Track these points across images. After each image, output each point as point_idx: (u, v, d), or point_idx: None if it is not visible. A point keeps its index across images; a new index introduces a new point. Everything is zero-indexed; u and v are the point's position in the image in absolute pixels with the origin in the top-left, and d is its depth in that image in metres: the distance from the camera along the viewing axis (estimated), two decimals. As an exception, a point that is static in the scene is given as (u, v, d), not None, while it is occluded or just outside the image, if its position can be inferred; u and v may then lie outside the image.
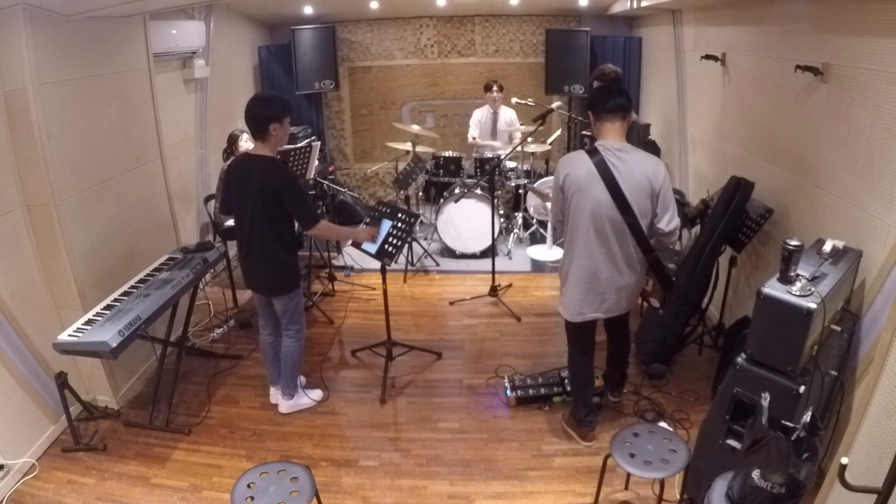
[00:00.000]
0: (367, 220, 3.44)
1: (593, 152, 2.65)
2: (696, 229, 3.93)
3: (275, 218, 2.95)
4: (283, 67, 6.17)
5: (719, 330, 3.84)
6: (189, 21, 4.59)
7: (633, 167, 2.60)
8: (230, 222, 3.18)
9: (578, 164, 2.67)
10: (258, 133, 2.91)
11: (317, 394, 3.53)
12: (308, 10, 5.84)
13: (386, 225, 3.44)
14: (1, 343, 2.85)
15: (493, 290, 4.73)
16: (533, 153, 5.69)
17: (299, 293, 3.22)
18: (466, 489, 2.84)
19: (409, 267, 5.29)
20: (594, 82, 4.29)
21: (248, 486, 2.16)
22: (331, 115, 6.78)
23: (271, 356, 3.40)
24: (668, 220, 2.66)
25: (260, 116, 2.87)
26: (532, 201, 5.67)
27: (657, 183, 2.61)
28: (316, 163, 4.42)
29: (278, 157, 3.16)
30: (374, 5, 5.66)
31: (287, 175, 2.98)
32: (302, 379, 3.57)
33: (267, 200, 2.90)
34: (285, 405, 3.40)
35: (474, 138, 5.87)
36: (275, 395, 3.47)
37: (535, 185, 5.48)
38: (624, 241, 2.69)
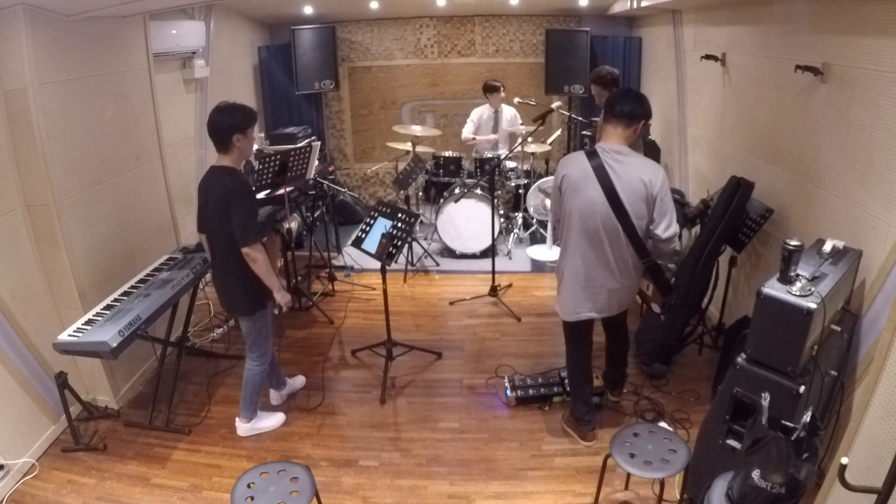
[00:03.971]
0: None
1: (592, 154, 2.66)
2: (696, 229, 3.93)
3: (232, 232, 2.76)
4: (283, 67, 6.17)
5: (719, 330, 3.84)
6: (189, 21, 4.58)
7: (629, 170, 2.60)
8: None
9: (576, 165, 2.68)
10: (220, 145, 2.75)
11: (278, 418, 3.32)
12: (308, 10, 5.85)
13: (384, 225, 3.45)
14: (1, 343, 2.85)
15: (493, 290, 4.73)
16: (533, 153, 5.69)
17: (265, 316, 3.03)
18: (466, 489, 2.84)
19: (409, 267, 5.29)
20: (591, 85, 4.31)
21: (248, 486, 2.17)
22: (331, 115, 6.78)
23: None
24: (666, 227, 2.65)
25: (223, 127, 2.70)
26: (532, 201, 5.67)
27: (654, 188, 2.60)
28: (316, 163, 4.41)
29: (240, 168, 3.02)
30: (374, 5, 5.66)
31: (240, 183, 2.75)
32: (301, 379, 3.53)
33: (221, 212, 2.72)
34: (243, 428, 3.22)
35: (474, 137, 5.85)
36: (274, 395, 3.45)
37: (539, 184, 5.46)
38: (618, 244, 2.68)
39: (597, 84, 4.14)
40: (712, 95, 4.19)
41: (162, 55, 4.13)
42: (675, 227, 2.67)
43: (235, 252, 2.78)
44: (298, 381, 3.61)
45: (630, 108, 2.64)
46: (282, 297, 2.94)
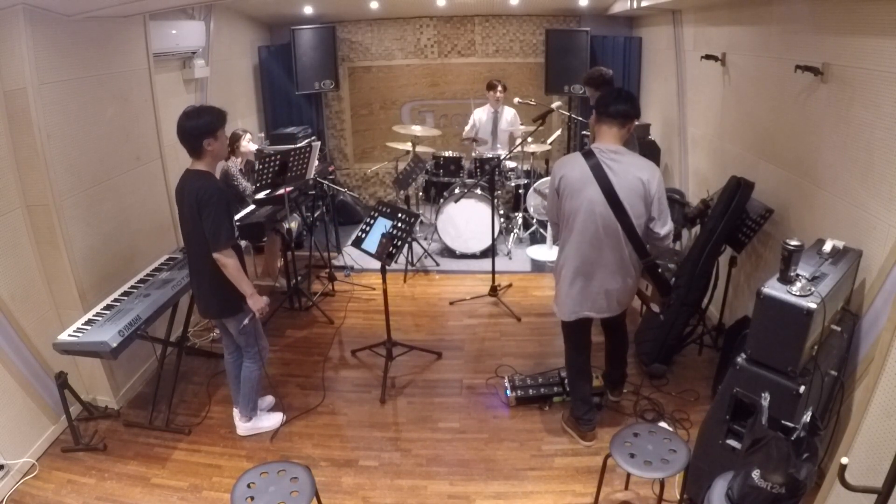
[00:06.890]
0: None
1: (589, 154, 2.66)
2: (696, 229, 3.93)
3: (204, 236, 2.71)
4: (283, 67, 6.18)
5: (719, 330, 3.84)
6: (189, 21, 4.58)
7: (626, 169, 2.61)
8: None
9: (573, 166, 2.68)
10: (192, 151, 2.69)
11: (278, 417, 3.30)
12: (308, 10, 5.85)
13: (384, 225, 3.45)
14: (1, 343, 2.85)
15: (493, 290, 4.73)
16: (533, 153, 5.69)
17: (249, 315, 2.94)
18: (466, 489, 2.84)
19: (409, 267, 5.29)
20: (585, 87, 4.27)
21: (248, 486, 2.17)
22: (331, 115, 6.78)
23: (233, 377, 3.20)
24: (663, 224, 2.67)
25: (192, 133, 2.63)
26: (532, 201, 5.67)
27: (651, 186, 2.61)
28: (316, 163, 4.41)
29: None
30: (374, 5, 5.66)
31: (212, 188, 2.68)
32: (269, 399, 3.46)
33: (193, 216, 2.69)
34: (243, 427, 3.23)
35: (473, 139, 5.85)
36: (237, 415, 3.27)
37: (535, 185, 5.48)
38: (617, 244, 2.69)
39: (589, 86, 4.09)
40: (712, 95, 4.19)
41: (162, 55, 4.13)
42: (670, 225, 2.70)
43: (207, 255, 2.72)
44: (261, 402, 3.42)
45: (624, 108, 2.65)
46: (254, 303, 2.84)
